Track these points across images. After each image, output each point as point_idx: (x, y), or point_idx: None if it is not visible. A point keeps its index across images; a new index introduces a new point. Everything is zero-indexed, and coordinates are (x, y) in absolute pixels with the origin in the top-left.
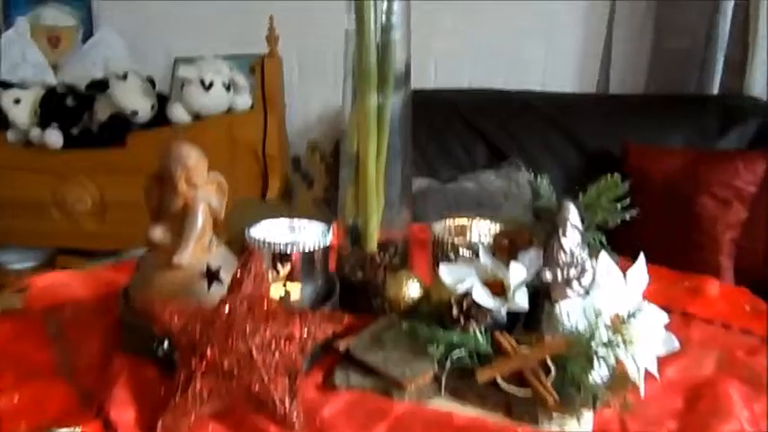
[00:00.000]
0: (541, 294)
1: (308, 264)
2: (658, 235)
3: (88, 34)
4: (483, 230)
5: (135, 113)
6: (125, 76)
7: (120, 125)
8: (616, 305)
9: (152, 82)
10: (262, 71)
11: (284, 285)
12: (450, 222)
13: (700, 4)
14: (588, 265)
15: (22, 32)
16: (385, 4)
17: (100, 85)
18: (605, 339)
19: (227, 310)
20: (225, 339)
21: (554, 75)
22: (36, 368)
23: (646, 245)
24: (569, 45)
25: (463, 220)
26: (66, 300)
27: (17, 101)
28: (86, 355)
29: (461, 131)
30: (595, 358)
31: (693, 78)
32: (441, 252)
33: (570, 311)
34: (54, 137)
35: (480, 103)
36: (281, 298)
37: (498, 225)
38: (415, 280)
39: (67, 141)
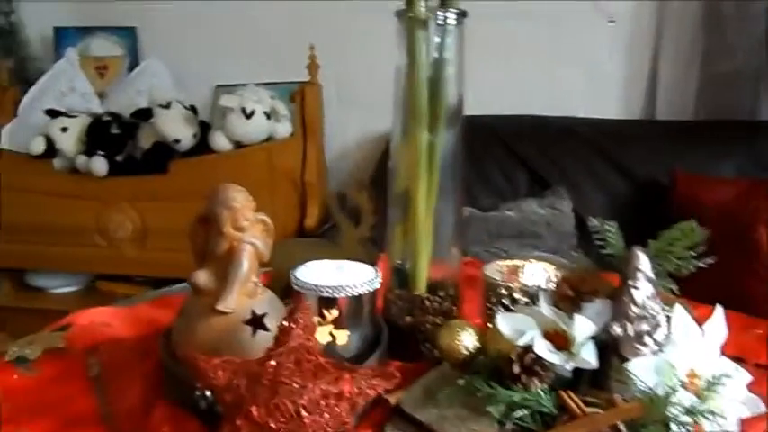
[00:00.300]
0: (609, 349)
1: (356, 308)
2: (712, 267)
3: (134, 63)
4: (537, 273)
5: (177, 142)
6: (168, 105)
7: (163, 153)
8: (692, 362)
9: (194, 110)
10: (302, 99)
11: (330, 332)
12: (501, 263)
13: (751, 25)
14: (662, 318)
15: (72, 63)
16: (437, 38)
17: (144, 114)
18: (685, 402)
19: (273, 365)
20: (271, 397)
21: (597, 100)
22: (77, 414)
23: (699, 278)
24: (613, 69)
25: (516, 261)
26: (108, 339)
27: (64, 129)
28: (128, 400)
29: (501, 158)
30: (673, 423)
31: (745, 103)
32: (494, 296)
33: (642, 369)
34: (99, 164)
35: (521, 129)
36: (326, 344)
37: (553, 268)
38: (469, 329)
39: (111, 169)
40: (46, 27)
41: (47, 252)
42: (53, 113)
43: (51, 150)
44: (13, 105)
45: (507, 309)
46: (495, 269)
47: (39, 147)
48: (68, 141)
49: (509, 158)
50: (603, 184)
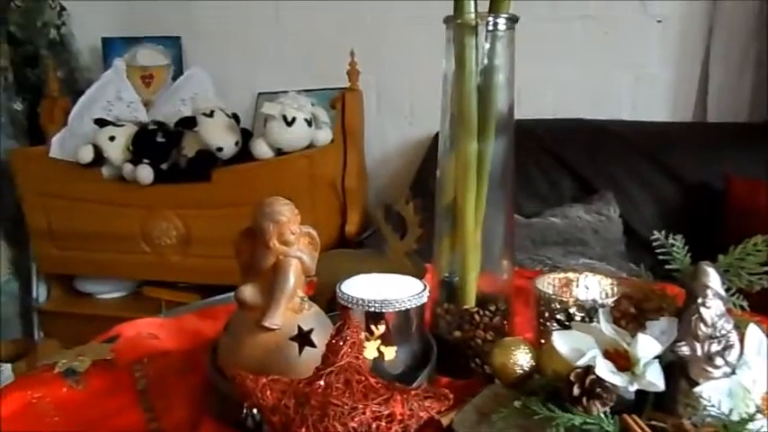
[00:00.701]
0: (675, 369)
1: (404, 323)
2: None
3: (178, 72)
4: (592, 286)
5: (220, 150)
6: (212, 114)
7: (207, 161)
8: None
9: (236, 118)
10: (342, 105)
11: (378, 347)
12: (553, 276)
13: None
14: (734, 338)
15: (119, 72)
16: (487, 45)
17: (188, 122)
18: (763, 430)
19: (322, 386)
20: (321, 420)
21: (646, 102)
22: (125, 428)
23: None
24: (663, 70)
25: (568, 275)
26: (154, 352)
27: (112, 138)
28: (175, 416)
29: (546, 163)
30: None
31: None
32: (548, 311)
33: (714, 393)
34: (145, 173)
35: (566, 132)
36: (374, 360)
37: (609, 281)
38: (524, 347)
39: (156, 177)
40: (94, 38)
41: (94, 258)
42: (101, 122)
43: (99, 159)
44: (64, 115)
45: (561, 324)
46: (547, 282)
47: (87, 155)
48: (116, 150)
49: (553, 163)
50: (652, 190)
